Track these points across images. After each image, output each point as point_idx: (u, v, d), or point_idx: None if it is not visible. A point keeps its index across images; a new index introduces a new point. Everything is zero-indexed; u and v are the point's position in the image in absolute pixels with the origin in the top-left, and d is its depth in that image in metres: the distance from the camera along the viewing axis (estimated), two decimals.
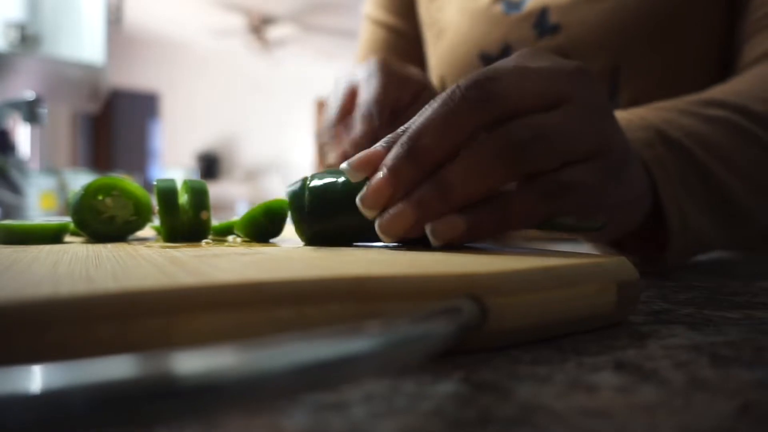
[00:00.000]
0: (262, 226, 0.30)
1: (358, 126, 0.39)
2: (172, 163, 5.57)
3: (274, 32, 5.07)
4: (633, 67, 0.50)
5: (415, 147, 0.23)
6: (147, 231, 0.40)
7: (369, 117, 0.39)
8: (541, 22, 0.54)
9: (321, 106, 6.23)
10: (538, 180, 0.23)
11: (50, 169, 1.94)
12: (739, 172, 0.34)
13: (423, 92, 0.43)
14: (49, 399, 0.07)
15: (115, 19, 3.67)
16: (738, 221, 0.35)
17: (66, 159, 4.86)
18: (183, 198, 0.31)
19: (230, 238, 0.32)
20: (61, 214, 1.53)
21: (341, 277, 0.15)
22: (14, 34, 1.64)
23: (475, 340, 0.15)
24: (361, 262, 0.18)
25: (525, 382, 0.13)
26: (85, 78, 1.94)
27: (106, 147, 5.50)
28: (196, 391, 0.07)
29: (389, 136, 0.25)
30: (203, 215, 0.30)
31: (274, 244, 0.27)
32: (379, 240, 0.26)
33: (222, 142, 5.94)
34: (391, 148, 0.24)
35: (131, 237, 0.33)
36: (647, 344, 0.17)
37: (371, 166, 0.24)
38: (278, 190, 5.76)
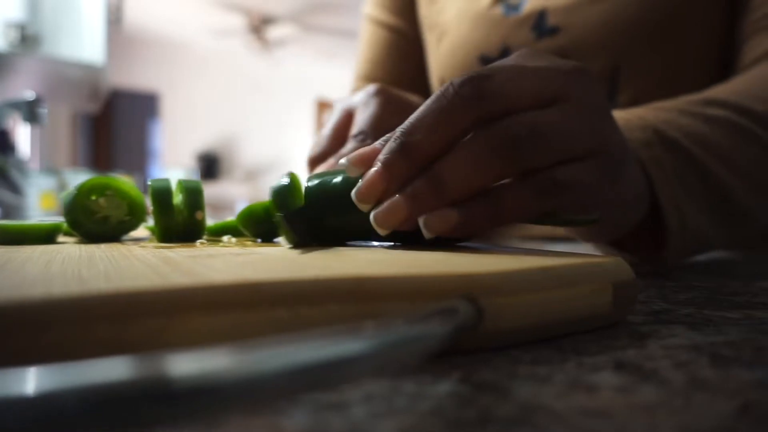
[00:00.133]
0: (261, 220, 0.30)
1: (349, 145, 0.39)
2: (172, 163, 5.57)
3: (274, 32, 5.06)
4: (633, 67, 0.50)
5: (407, 142, 0.23)
6: (141, 231, 0.40)
7: (362, 137, 0.39)
8: (539, 23, 0.54)
9: (321, 106, 6.23)
10: (533, 177, 0.23)
11: (50, 169, 1.94)
12: (739, 171, 0.34)
13: None
14: (45, 401, 0.07)
15: (115, 19, 3.68)
16: (737, 220, 0.35)
17: (66, 159, 4.86)
18: (177, 198, 0.30)
19: (225, 238, 0.32)
20: (61, 214, 1.52)
21: (339, 278, 0.15)
22: (14, 34, 1.64)
23: (474, 340, 0.15)
24: (358, 263, 0.18)
25: (525, 382, 0.13)
26: (85, 78, 1.94)
27: (106, 147, 5.50)
28: (193, 393, 0.07)
29: (387, 135, 0.25)
30: (198, 215, 0.30)
31: (273, 244, 0.27)
32: (370, 239, 0.26)
33: (222, 142, 5.94)
34: None
35: (125, 237, 0.33)
36: (647, 344, 0.17)
37: (369, 161, 0.24)
38: None
